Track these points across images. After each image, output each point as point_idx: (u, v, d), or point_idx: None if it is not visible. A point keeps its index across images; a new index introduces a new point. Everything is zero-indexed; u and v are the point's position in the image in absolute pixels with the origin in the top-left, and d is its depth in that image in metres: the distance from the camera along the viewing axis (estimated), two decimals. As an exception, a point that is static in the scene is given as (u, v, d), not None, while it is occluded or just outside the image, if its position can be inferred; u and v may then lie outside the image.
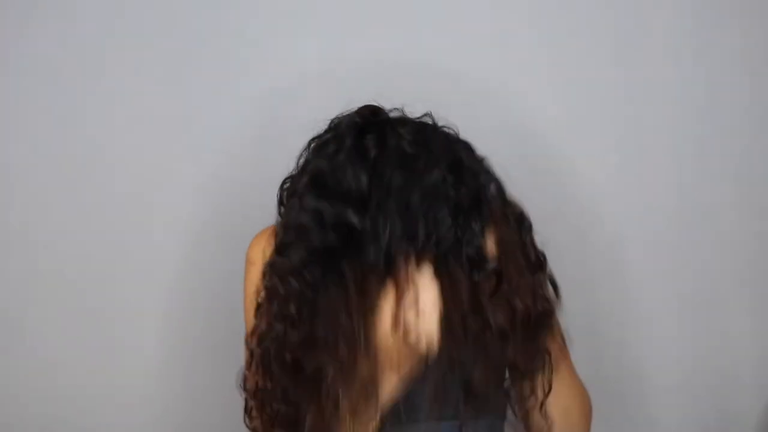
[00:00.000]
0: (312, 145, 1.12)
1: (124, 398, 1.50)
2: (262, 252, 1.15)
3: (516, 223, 1.10)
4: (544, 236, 1.16)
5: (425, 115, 1.13)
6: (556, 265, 1.16)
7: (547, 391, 1.11)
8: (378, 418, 1.04)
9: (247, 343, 1.14)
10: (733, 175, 1.51)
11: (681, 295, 1.53)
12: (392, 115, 1.12)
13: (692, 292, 1.53)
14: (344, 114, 1.13)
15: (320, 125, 1.13)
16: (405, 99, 1.14)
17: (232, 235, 1.21)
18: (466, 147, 1.11)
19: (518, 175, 1.14)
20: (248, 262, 1.18)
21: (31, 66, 1.44)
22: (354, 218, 1.02)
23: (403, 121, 1.10)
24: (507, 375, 1.12)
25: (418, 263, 1.01)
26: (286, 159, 1.43)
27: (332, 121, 1.13)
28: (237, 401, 1.13)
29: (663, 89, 1.49)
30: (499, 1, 1.46)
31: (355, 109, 1.13)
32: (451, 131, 1.13)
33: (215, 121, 1.46)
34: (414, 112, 1.13)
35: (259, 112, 1.47)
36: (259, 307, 1.09)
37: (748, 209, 1.52)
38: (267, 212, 1.18)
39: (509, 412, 1.15)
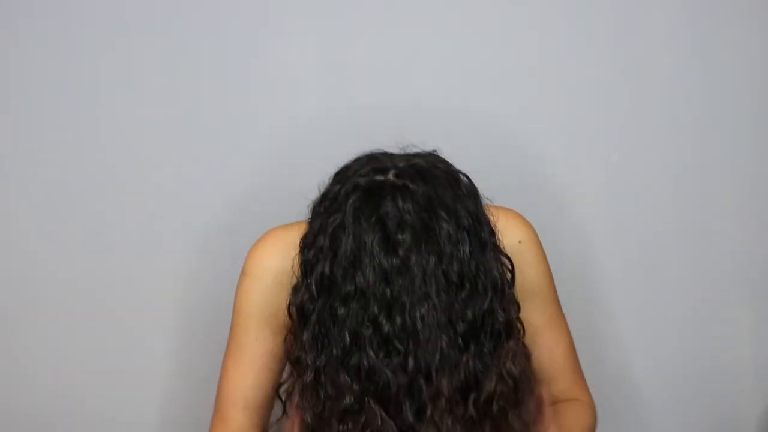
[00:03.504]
0: (319, 220, 1.08)
1: (126, 399, 1.50)
2: (258, 263, 1.15)
3: None
4: (544, 238, 1.16)
5: (431, 152, 1.11)
6: (556, 267, 1.17)
7: None
8: None
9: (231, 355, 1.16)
10: (733, 176, 1.51)
11: (681, 296, 1.53)
12: (397, 166, 1.07)
13: (692, 292, 1.53)
14: (345, 171, 1.09)
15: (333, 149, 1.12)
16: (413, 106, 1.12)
17: (241, 240, 1.21)
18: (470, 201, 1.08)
19: (518, 177, 1.14)
20: (243, 273, 1.17)
21: (45, 64, 1.43)
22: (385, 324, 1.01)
23: (408, 191, 1.05)
24: None
25: None
26: (296, 166, 1.44)
27: (333, 183, 1.10)
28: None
29: (663, 90, 1.49)
30: (500, 3, 1.46)
31: (356, 159, 1.10)
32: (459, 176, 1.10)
33: (225, 126, 1.46)
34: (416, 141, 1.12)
35: (271, 120, 1.47)
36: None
37: (748, 209, 1.52)
38: (274, 216, 1.18)
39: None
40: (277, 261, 1.12)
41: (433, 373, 1.00)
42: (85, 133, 1.45)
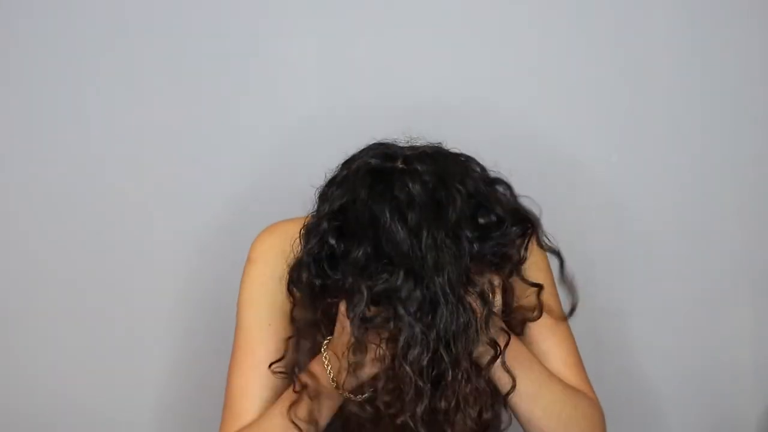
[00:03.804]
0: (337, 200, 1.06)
1: (126, 399, 1.51)
2: (266, 251, 1.14)
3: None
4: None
5: (437, 144, 1.11)
6: (557, 267, 1.17)
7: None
8: None
9: (240, 343, 1.14)
10: (733, 176, 1.51)
11: (681, 296, 1.53)
12: (405, 154, 1.07)
13: (692, 292, 1.53)
14: (353, 159, 1.09)
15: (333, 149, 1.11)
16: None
17: (241, 240, 1.20)
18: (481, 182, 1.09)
19: (518, 177, 1.14)
20: (250, 259, 1.16)
21: (45, 64, 1.43)
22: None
23: (417, 173, 1.05)
24: None
25: None
26: (296, 166, 1.43)
27: (342, 169, 1.09)
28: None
29: (663, 90, 1.49)
30: (500, 3, 1.46)
31: (364, 148, 1.10)
32: (464, 156, 1.11)
33: (225, 126, 1.46)
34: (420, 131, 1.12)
35: (271, 120, 1.47)
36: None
37: (748, 209, 1.52)
38: (274, 216, 1.18)
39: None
40: (283, 249, 1.11)
41: (451, 342, 1.00)
42: (85, 132, 1.45)
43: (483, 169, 1.10)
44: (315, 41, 1.45)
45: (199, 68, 1.44)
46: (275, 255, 1.12)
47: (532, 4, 1.46)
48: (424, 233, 1.00)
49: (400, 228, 1.00)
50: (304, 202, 1.12)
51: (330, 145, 1.14)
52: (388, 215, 1.01)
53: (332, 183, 1.09)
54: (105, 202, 1.46)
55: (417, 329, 0.99)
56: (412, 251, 1.00)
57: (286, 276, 1.09)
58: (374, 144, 1.10)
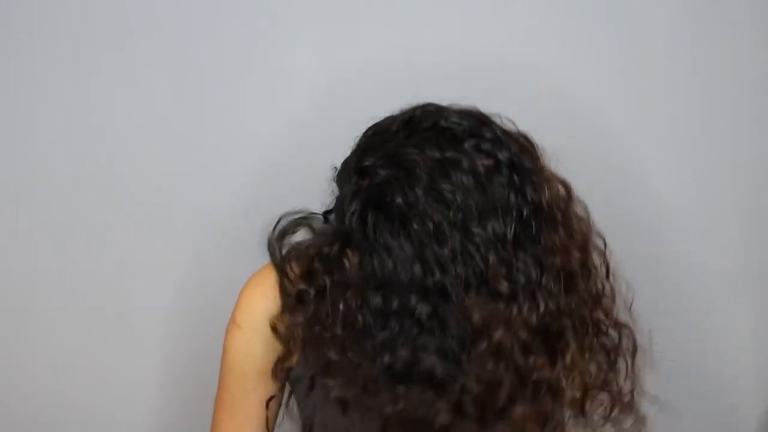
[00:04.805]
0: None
1: (126, 399, 1.51)
2: (252, 313, 1.10)
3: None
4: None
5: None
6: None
7: None
8: None
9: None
10: (733, 176, 1.51)
11: (681, 296, 1.53)
12: (360, 165, 1.08)
13: (692, 292, 1.53)
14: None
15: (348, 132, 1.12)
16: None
17: (241, 240, 1.20)
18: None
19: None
20: (235, 322, 1.11)
21: (46, 59, 1.43)
22: None
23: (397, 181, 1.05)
24: None
25: None
26: (296, 166, 1.44)
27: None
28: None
29: (663, 90, 1.49)
30: (500, 3, 1.46)
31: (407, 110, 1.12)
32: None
33: (225, 126, 1.46)
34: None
35: (271, 120, 1.46)
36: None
37: (748, 209, 1.52)
38: (273, 217, 1.18)
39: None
40: (268, 305, 1.09)
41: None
42: (84, 133, 1.45)
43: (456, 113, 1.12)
44: (316, 41, 1.45)
45: (199, 68, 1.44)
46: (260, 314, 1.10)
47: (531, 5, 1.46)
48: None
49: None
50: (303, 204, 1.13)
51: (330, 146, 1.15)
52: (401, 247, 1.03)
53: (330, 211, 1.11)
54: (105, 202, 1.46)
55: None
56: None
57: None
58: (351, 159, 1.11)
